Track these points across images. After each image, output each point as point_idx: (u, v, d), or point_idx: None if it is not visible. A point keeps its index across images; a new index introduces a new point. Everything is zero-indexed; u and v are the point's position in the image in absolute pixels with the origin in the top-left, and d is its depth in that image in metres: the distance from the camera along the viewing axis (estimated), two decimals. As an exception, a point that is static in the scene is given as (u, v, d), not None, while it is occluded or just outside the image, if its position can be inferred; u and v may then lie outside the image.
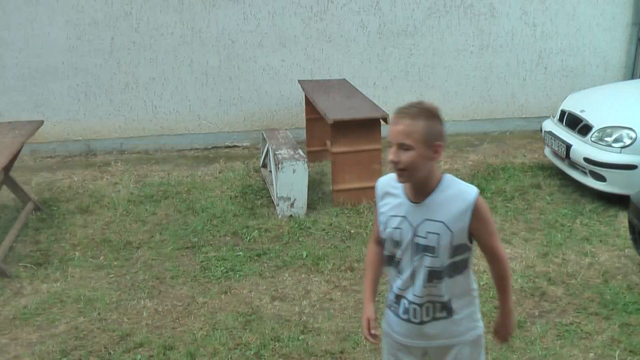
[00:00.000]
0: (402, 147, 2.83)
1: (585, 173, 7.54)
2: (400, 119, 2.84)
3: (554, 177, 8.27)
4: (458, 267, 3.02)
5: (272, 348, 4.98)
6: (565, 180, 8.09)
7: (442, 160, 8.95)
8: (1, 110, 9.56)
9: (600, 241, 6.61)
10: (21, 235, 6.98)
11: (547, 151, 8.50)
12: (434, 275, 3.01)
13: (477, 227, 2.95)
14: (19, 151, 7.01)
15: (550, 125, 8.37)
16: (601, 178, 7.35)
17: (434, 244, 2.95)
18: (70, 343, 5.09)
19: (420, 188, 2.96)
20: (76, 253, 6.60)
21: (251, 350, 4.96)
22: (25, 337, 5.19)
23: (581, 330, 5.12)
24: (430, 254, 2.97)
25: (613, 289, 5.68)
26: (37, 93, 9.66)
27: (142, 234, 7.02)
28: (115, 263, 6.40)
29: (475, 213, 2.91)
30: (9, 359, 4.93)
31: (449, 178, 2.98)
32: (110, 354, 4.96)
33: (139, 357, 4.91)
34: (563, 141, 7.81)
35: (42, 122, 7.69)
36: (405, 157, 2.83)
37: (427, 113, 2.85)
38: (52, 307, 5.62)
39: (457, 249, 2.97)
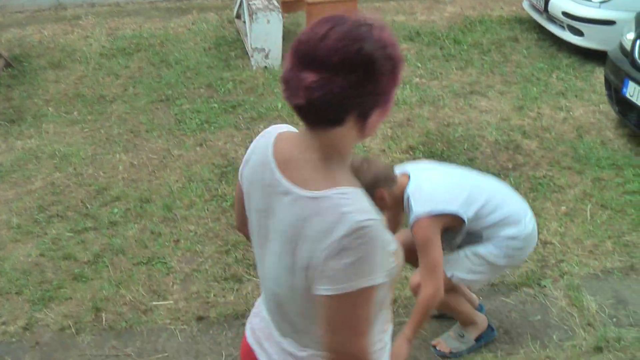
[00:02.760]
0: None
1: (563, 27, 7.46)
2: None
3: (531, 30, 8.19)
4: None
5: (249, 201, 5.02)
6: (542, 34, 8.02)
7: (419, 12, 8.80)
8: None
9: (576, 96, 6.63)
10: (-8, 90, 6.89)
11: (525, 4, 8.38)
12: None
13: None
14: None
15: (530, -23, 8.21)
16: (579, 33, 7.28)
17: None
18: (47, 199, 5.11)
19: None
20: (49, 109, 6.53)
21: (227, 201, 5.01)
22: (1, 195, 5.19)
23: (554, 183, 5.20)
24: None
25: (587, 144, 5.74)
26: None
27: (116, 88, 6.93)
28: (89, 117, 6.35)
29: None
30: (-14, 213, 4.96)
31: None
32: (87, 208, 5.00)
33: (115, 210, 4.95)
34: (542, -6, 7.69)
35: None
36: None
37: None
38: (28, 163, 5.60)
39: None
